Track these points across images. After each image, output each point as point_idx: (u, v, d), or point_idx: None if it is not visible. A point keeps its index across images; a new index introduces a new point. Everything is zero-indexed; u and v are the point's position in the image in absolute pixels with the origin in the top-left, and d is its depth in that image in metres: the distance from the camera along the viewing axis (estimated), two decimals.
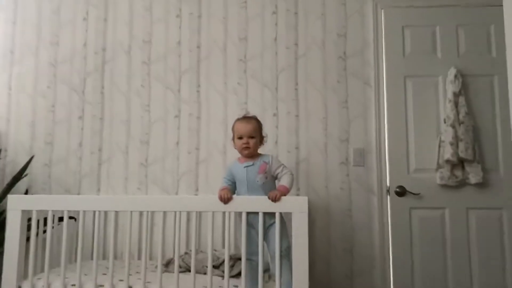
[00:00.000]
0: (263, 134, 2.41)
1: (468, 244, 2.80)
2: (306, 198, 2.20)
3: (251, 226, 2.24)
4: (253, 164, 2.32)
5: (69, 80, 3.24)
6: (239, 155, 2.40)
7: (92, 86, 3.22)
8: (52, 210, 2.31)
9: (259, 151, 2.41)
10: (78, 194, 3.10)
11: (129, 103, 3.18)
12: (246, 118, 2.40)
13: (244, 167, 2.32)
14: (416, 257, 2.81)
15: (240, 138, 2.33)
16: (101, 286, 2.22)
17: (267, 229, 2.24)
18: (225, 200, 2.20)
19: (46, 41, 3.29)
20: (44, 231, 2.50)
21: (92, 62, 3.24)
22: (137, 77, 3.20)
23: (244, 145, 2.31)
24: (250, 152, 2.33)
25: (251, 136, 2.32)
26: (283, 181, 2.28)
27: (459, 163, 2.80)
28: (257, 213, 2.18)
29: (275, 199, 2.17)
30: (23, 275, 2.30)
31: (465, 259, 2.79)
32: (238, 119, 2.41)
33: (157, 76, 3.19)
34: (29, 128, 3.21)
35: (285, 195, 2.21)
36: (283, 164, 2.36)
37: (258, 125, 2.39)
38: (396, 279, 2.81)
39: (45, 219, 2.40)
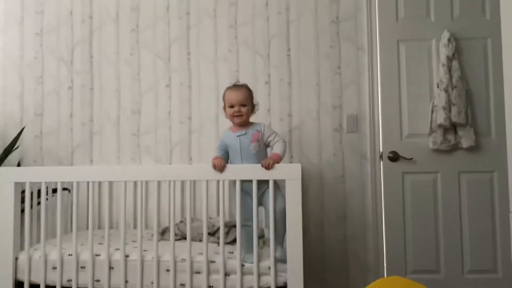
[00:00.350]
0: (255, 102, 2.39)
1: (460, 207, 2.85)
2: (299, 165, 2.21)
3: (246, 192, 2.25)
4: (245, 133, 2.31)
5: (56, 50, 3.17)
6: (231, 124, 2.39)
7: (80, 55, 3.15)
8: (46, 182, 2.30)
9: (251, 119, 2.39)
10: (71, 165, 3.08)
11: (119, 73, 3.13)
12: (236, 86, 2.37)
13: (237, 136, 2.31)
14: (408, 221, 2.86)
15: (232, 106, 2.30)
16: (97, 255, 2.24)
17: (262, 194, 2.25)
18: (219, 167, 2.20)
19: (31, 10, 3.20)
20: (38, 203, 2.51)
21: (79, 31, 3.17)
22: (126, 45, 3.13)
23: (236, 113, 2.29)
24: (243, 121, 2.31)
25: (242, 104, 2.29)
26: (276, 149, 2.28)
27: (452, 127, 2.81)
28: (251, 180, 2.19)
29: (268, 167, 2.18)
30: (19, 246, 2.31)
31: (457, 222, 2.84)
32: (228, 88, 2.39)
33: (146, 44, 3.12)
34: (18, 100, 3.16)
35: (278, 162, 2.21)
36: (275, 132, 2.35)
37: (249, 93, 2.36)
38: (389, 242, 2.86)
39: (39, 191, 2.40)
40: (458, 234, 2.84)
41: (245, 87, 2.37)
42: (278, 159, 2.24)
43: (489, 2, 2.89)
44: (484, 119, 2.86)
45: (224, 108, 2.37)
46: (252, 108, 2.36)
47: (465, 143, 2.80)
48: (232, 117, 2.31)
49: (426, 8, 2.93)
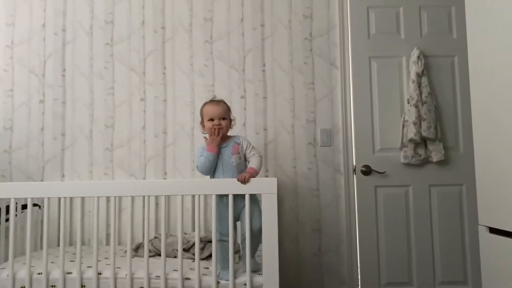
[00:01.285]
0: (232, 117, 2.42)
1: (431, 219, 2.92)
2: (275, 179, 2.22)
3: (226, 206, 2.24)
4: (226, 146, 2.32)
5: (27, 62, 3.11)
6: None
7: (52, 68, 3.10)
8: (15, 198, 2.23)
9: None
10: (42, 180, 3.01)
11: (92, 86, 3.09)
12: (215, 101, 2.40)
13: (220, 147, 2.32)
14: (382, 233, 2.90)
15: (211, 120, 2.31)
16: (69, 273, 2.18)
17: (241, 210, 2.25)
18: (217, 132, 2.25)
19: (1, 22, 3.13)
20: (7, 220, 2.43)
21: (51, 44, 3.12)
22: (100, 58, 3.10)
23: (216, 126, 2.30)
24: (223, 133, 2.32)
25: (222, 117, 2.31)
26: (252, 163, 2.31)
27: (422, 142, 2.89)
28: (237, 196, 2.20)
29: (244, 181, 2.18)
30: None
31: (428, 234, 2.90)
32: (206, 103, 2.40)
33: (121, 58, 3.10)
34: None
35: (253, 176, 2.22)
36: (252, 145, 2.38)
37: (228, 108, 2.40)
38: (363, 255, 2.89)
39: (7, 207, 2.33)
40: (429, 246, 2.90)
41: (224, 102, 2.40)
42: (254, 173, 2.26)
43: (456, 21, 3.01)
44: (452, 134, 2.96)
45: (202, 122, 2.37)
46: (230, 122, 2.38)
47: (435, 157, 2.88)
48: (211, 130, 2.31)
49: (396, 26, 3.03)
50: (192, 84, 3.08)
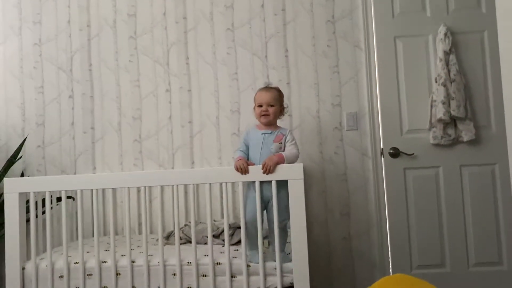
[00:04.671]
0: (284, 105, 2.42)
1: (462, 200, 2.85)
2: (301, 165, 2.22)
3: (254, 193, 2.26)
4: (271, 133, 2.34)
5: (55, 59, 3.19)
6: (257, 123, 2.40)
7: (79, 64, 3.17)
8: (50, 191, 2.31)
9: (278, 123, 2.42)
10: (74, 173, 3.10)
11: (118, 79, 3.15)
12: (267, 87, 2.41)
13: (262, 133, 2.34)
14: (412, 216, 2.87)
15: (260, 106, 2.34)
16: (104, 262, 2.25)
17: (268, 201, 2.26)
18: (243, 171, 2.21)
19: (29, 21, 3.22)
20: (43, 212, 2.52)
21: (77, 39, 3.19)
22: (125, 52, 3.15)
23: (263, 112, 2.33)
24: (269, 120, 2.34)
25: (270, 104, 2.33)
26: (285, 151, 2.29)
27: (452, 121, 2.81)
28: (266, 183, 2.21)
29: (267, 171, 2.18)
30: (26, 256, 2.33)
31: (460, 216, 2.85)
32: (260, 89, 2.43)
33: (145, 50, 3.14)
34: (19, 110, 3.18)
35: (280, 163, 2.21)
36: (295, 140, 2.36)
37: (279, 95, 2.39)
38: (393, 238, 2.87)
39: (43, 200, 2.42)
40: (462, 228, 2.84)
41: (276, 89, 2.41)
42: (280, 160, 2.23)
43: None
44: (483, 112, 2.87)
45: (254, 108, 2.40)
46: (281, 110, 2.39)
47: (465, 137, 2.80)
48: (259, 116, 2.35)
49: (421, 3, 2.94)
50: (215, 73, 3.09)
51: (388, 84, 2.92)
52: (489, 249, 2.82)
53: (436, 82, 2.84)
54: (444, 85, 2.78)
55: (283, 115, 2.43)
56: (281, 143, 2.32)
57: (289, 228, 2.22)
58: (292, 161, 2.28)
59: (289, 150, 2.29)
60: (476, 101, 2.87)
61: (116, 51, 3.16)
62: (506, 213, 2.80)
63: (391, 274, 2.87)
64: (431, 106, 2.84)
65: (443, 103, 2.76)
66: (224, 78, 3.08)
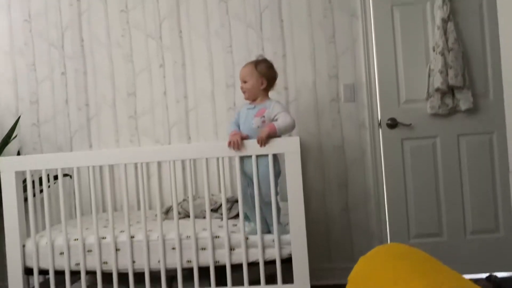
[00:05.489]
0: (267, 76, 2.30)
1: (460, 170, 2.86)
2: (297, 138, 2.21)
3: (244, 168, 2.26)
4: (254, 108, 2.30)
5: (46, 35, 3.12)
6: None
7: (70, 39, 3.11)
8: (46, 169, 2.31)
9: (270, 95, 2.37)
10: (70, 151, 3.08)
11: (111, 55, 3.09)
12: (247, 63, 2.36)
13: (247, 109, 2.32)
14: (409, 186, 2.88)
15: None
16: (103, 238, 2.27)
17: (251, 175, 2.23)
18: (236, 145, 2.17)
19: None
20: (41, 191, 2.52)
21: (67, 14, 3.11)
22: (116, 27, 3.09)
23: (241, 90, 2.32)
24: (247, 97, 2.31)
25: (244, 80, 2.29)
26: (276, 122, 2.21)
27: (449, 90, 2.79)
28: (250, 157, 2.19)
29: (261, 143, 2.15)
30: (25, 234, 2.34)
31: (457, 185, 2.86)
32: None
33: (137, 25, 3.07)
34: (12, 88, 3.13)
35: (273, 134, 2.16)
36: (286, 110, 2.28)
37: (256, 68, 2.29)
38: (391, 209, 2.89)
39: (40, 179, 2.41)
40: (459, 197, 2.86)
41: (252, 62, 2.33)
42: (272, 130, 2.16)
43: None
44: (481, 80, 2.84)
45: None
46: (262, 82, 2.28)
47: (463, 106, 2.78)
48: (242, 93, 2.33)
49: None
50: (209, 46, 3.03)
51: (385, 54, 2.88)
52: (485, 217, 2.85)
53: (433, 51, 2.80)
54: (442, 54, 2.74)
55: (270, 87, 2.34)
56: (263, 116, 2.24)
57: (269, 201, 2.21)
58: (287, 130, 2.22)
59: (281, 119, 2.20)
60: (474, 69, 2.84)
61: (108, 26, 3.09)
62: (502, 181, 2.81)
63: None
64: (429, 76, 2.82)
65: (441, 72, 2.73)
66: (218, 51, 3.03)
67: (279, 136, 2.23)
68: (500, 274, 2.72)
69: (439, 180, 2.87)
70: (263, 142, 2.15)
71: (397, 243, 0.74)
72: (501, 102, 2.73)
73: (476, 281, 2.59)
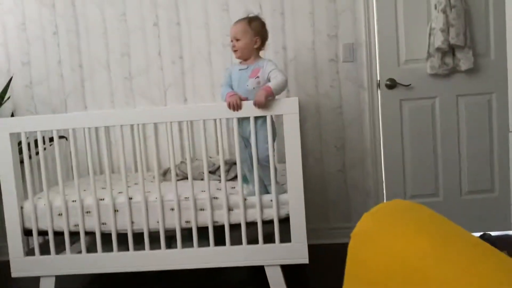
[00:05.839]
0: (262, 35, 2.22)
1: (458, 131, 2.85)
2: (296, 98, 2.17)
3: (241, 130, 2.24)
4: (247, 68, 2.23)
5: None
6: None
7: None
8: (41, 131, 2.27)
9: (261, 55, 2.28)
10: (65, 113, 3.04)
11: (104, 13, 2.99)
12: (238, 19, 2.25)
13: (239, 70, 2.24)
14: (407, 147, 2.88)
15: (232, 41, 2.22)
16: (101, 199, 2.27)
17: (249, 135, 2.20)
18: (235, 107, 2.13)
19: None
20: (37, 153, 2.50)
21: None
22: None
23: (232, 48, 2.21)
24: (239, 56, 2.22)
25: (236, 38, 2.19)
26: (270, 82, 2.15)
27: (450, 50, 2.74)
28: (247, 119, 2.16)
29: (259, 106, 2.10)
30: (23, 196, 2.33)
31: (455, 146, 2.86)
32: None
33: None
34: (2, 49, 3.05)
35: (270, 95, 2.11)
36: (278, 68, 2.20)
37: (250, 25, 2.19)
38: (388, 169, 2.90)
39: (36, 141, 2.38)
40: (456, 157, 2.87)
41: (245, 19, 2.22)
42: (268, 91, 2.10)
43: None
44: (483, 39, 2.79)
45: None
46: (256, 41, 2.20)
47: (463, 66, 2.74)
48: (233, 52, 2.24)
49: None
50: (205, 4, 2.94)
51: (386, 12, 2.81)
52: (481, 178, 2.87)
53: (435, 8, 2.72)
54: (444, 12, 2.67)
55: (263, 46, 2.25)
56: (258, 77, 2.17)
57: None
58: (281, 88, 2.15)
59: (274, 79, 2.14)
60: (476, 28, 2.77)
61: None
62: (500, 141, 2.81)
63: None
64: (430, 35, 2.76)
65: (442, 31, 2.67)
66: (215, 9, 2.94)
67: (276, 95, 2.17)
68: (494, 233, 2.77)
69: (436, 140, 2.87)
70: (262, 105, 2.11)
71: (400, 199, 0.73)
72: (502, 62, 2.68)
73: None
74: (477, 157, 2.86)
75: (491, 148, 2.85)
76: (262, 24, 2.25)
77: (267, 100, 2.11)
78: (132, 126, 2.84)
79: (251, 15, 2.28)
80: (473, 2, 2.76)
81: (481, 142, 2.85)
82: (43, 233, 2.31)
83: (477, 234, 2.73)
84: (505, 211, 2.79)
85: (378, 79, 2.87)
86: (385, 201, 2.93)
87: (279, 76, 2.15)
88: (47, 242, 2.31)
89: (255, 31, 2.20)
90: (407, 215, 0.65)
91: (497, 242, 2.58)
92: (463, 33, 2.69)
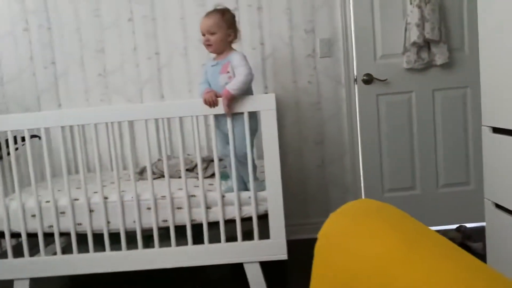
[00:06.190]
0: (235, 28, 2.18)
1: (434, 124, 2.89)
2: (273, 95, 2.15)
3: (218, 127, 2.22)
4: (217, 64, 2.19)
5: None
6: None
7: None
8: (12, 131, 2.21)
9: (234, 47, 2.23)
10: (39, 111, 2.97)
11: (77, 9, 2.92)
12: (209, 12, 2.18)
13: (211, 66, 2.21)
14: (384, 141, 2.90)
15: (203, 35, 2.16)
16: (76, 199, 2.22)
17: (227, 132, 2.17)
18: (211, 103, 2.09)
19: None
20: (8, 153, 2.43)
21: None
22: None
23: (205, 42, 2.15)
24: (214, 50, 2.18)
25: (211, 32, 2.13)
26: (229, 85, 2.06)
27: (425, 44, 2.76)
28: (225, 115, 2.14)
29: (225, 111, 2.07)
30: None
31: (431, 139, 2.89)
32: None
33: None
34: None
35: (231, 99, 2.06)
36: (243, 62, 2.11)
37: (222, 19, 2.14)
38: (366, 163, 2.92)
39: (8, 140, 2.31)
40: (432, 151, 2.90)
41: (217, 12, 2.16)
42: (228, 96, 2.04)
43: None
44: (458, 34, 2.82)
45: None
46: (228, 34, 2.16)
47: (439, 60, 2.77)
48: (205, 47, 2.18)
49: None
50: None
51: (362, 7, 2.81)
52: (457, 170, 2.91)
53: (411, 3, 2.74)
54: (419, 7, 2.69)
55: (236, 39, 2.20)
56: (228, 72, 2.12)
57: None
58: (245, 83, 2.07)
59: (236, 76, 2.08)
60: (450, 23, 2.81)
61: None
62: (475, 135, 2.86)
63: (363, 198, 2.95)
64: (406, 29, 2.77)
65: (418, 26, 2.69)
66: (190, 4, 2.90)
67: (242, 92, 2.10)
68: (469, 225, 2.82)
69: (413, 135, 2.90)
70: (227, 111, 2.08)
71: (367, 199, 0.72)
72: (476, 56, 2.71)
73: (446, 231, 2.68)
74: (453, 150, 2.90)
75: (466, 141, 2.90)
76: (233, 16, 2.21)
77: (230, 106, 2.07)
78: (107, 124, 2.79)
79: (220, 7, 2.22)
80: None
81: (457, 135, 2.89)
82: (16, 235, 2.25)
83: (454, 226, 2.78)
84: (481, 203, 2.83)
85: (355, 74, 2.88)
86: (363, 195, 2.95)
87: (240, 72, 2.08)
88: (21, 244, 2.25)
89: (228, 24, 2.16)
90: (373, 215, 0.65)
91: (472, 234, 2.63)
92: (438, 28, 2.72)
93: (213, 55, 2.26)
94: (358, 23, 2.83)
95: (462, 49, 2.83)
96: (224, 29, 2.14)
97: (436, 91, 2.87)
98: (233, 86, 2.06)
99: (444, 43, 2.77)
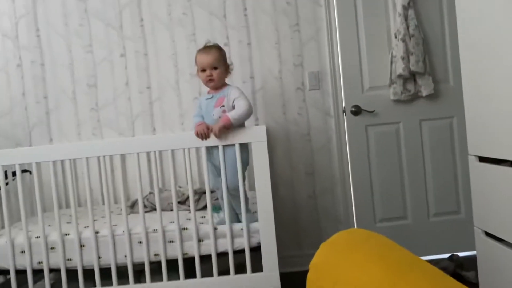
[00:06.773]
0: (229, 62, 2.27)
1: (422, 154, 2.93)
2: (264, 127, 2.19)
3: (210, 160, 2.23)
4: (212, 97, 2.23)
5: None
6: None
7: (25, 29, 2.97)
8: (2, 166, 2.20)
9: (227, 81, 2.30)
10: (30, 146, 2.97)
11: (70, 45, 2.98)
12: (207, 47, 2.24)
13: (206, 99, 2.25)
14: (374, 171, 2.93)
15: (204, 70, 2.20)
16: (66, 234, 2.20)
17: (219, 164, 2.18)
18: (203, 136, 2.12)
19: None
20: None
21: (21, 3, 2.97)
22: (74, 15, 2.97)
23: (208, 78, 2.19)
24: (215, 84, 2.22)
25: (213, 67, 2.18)
26: (231, 113, 2.13)
27: (411, 77, 2.84)
28: (217, 147, 2.16)
29: (215, 135, 2.10)
30: None
31: (420, 169, 2.93)
32: (199, 50, 2.25)
33: (96, 13, 2.97)
34: None
35: (228, 126, 2.10)
36: (243, 96, 2.19)
37: (221, 54, 2.22)
38: (357, 194, 2.93)
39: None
40: (422, 180, 2.93)
41: (216, 48, 2.23)
42: (227, 122, 2.09)
43: None
44: (441, 66, 2.91)
45: (198, 72, 2.25)
46: (226, 69, 2.24)
47: (424, 92, 2.85)
48: (206, 82, 2.22)
49: None
50: (172, 35, 2.97)
51: (349, 41, 2.90)
52: (447, 200, 2.94)
53: (395, 37, 2.84)
54: (404, 40, 2.79)
55: (230, 73, 2.28)
56: (223, 106, 2.17)
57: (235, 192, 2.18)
58: (244, 116, 2.14)
59: (237, 108, 2.14)
60: (434, 56, 2.90)
61: (65, 15, 2.97)
62: (463, 163, 2.90)
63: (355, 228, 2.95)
64: (391, 62, 2.86)
65: (403, 59, 2.78)
66: (182, 40, 2.97)
67: (239, 124, 2.16)
68: (462, 254, 2.82)
69: (402, 164, 2.94)
70: (217, 135, 2.11)
71: (357, 228, 0.74)
72: (460, 87, 2.79)
73: (439, 261, 2.68)
74: (442, 179, 2.93)
75: (455, 170, 2.94)
76: (225, 53, 2.29)
77: (222, 131, 2.10)
78: (98, 158, 2.79)
79: (212, 43, 2.30)
80: (431, 30, 2.89)
81: (445, 164, 2.93)
82: (4, 272, 2.21)
83: (446, 255, 2.78)
84: (472, 232, 2.84)
85: (344, 106, 2.94)
86: (355, 226, 2.95)
87: (242, 104, 2.15)
88: (9, 281, 2.20)
89: (225, 59, 2.25)
90: (363, 244, 0.66)
91: (464, 263, 2.63)
92: (422, 60, 2.80)
93: (206, 89, 2.30)
94: (345, 57, 2.91)
95: (447, 80, 2.92)
96: (224, 64, 2.22)
97: (423, 121, 2.93)
98: (234, 115, 2.11)
99: (429, 75, 2.85)
